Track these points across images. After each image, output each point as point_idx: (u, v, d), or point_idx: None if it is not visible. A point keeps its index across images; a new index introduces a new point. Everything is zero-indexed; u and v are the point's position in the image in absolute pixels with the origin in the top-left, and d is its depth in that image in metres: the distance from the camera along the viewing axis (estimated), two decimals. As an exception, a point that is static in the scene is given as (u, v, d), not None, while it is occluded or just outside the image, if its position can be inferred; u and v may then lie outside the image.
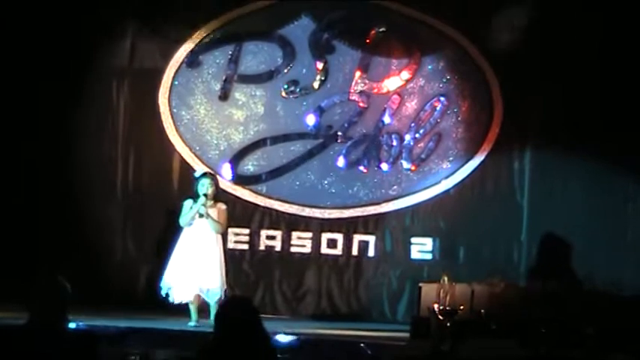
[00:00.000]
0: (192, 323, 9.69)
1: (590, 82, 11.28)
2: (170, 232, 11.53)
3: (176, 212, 11.46)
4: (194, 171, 10.64)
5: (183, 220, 9.90)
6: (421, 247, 11.70)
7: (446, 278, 8.36)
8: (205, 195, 9.79)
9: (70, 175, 11.84)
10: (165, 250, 11.45)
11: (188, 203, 9.90)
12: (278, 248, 11.87)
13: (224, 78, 12.02)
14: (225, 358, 4.80)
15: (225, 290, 9.91)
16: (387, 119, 11.82)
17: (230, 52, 12.04)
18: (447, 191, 11.72)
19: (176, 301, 9.86)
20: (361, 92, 11.88)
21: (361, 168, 11.82)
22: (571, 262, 10.42)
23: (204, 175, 10.14)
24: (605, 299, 8.75)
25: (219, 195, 10.09)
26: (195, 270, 9.71)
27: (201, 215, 9.76)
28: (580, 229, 11.03)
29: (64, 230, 11.59)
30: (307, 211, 11.86)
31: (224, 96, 12.02)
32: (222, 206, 9.99)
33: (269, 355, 4.96)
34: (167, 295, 9.88)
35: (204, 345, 5.04)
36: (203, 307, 9.88)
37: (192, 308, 9.80)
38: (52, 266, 8.89)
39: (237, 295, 9.78)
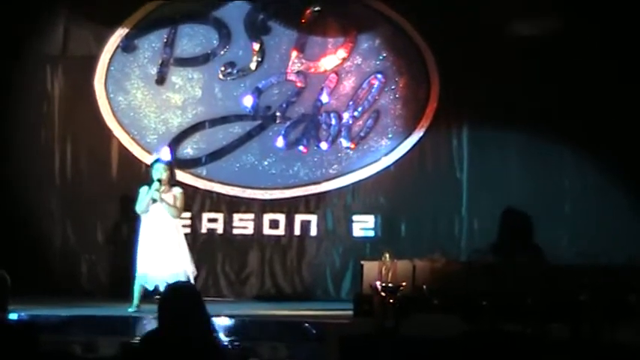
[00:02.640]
0: (131, 309, 9.61)
1: (525, 55, 11.37)
2: (116, 216, 11.54)
3: (116, 197, 11.51)
4: (133, 156, 10.59)
5: (139, 207, 9.80)
6: (363, 225, 11.75)
7: (387, 255, 8.37)
8: (159, 180, 9.71)
9: (6, 165, 11.71)
10: (112, 236, 11.48)
11: (144, 190, 9.80)
12: (220, 231, 11.86)
13: (160, 62, 11.96)
14: (168, 344, 4.79)
15: (194, 273, 9.90)
16: (324, 98, 11.84)
17: (165, 36, 11.98)
18: (386, 168, 11.78)
19: (148, 288, 9.74)
20: (298, 72, 11.88)
21: (301, 148, 11.83)
22: (511, 236, 10.48)
23: (158, 160, 10.10)
24: (543, 271, 8.84)
25: (174, 180, 10.02)
26: (159, 257, 9.63)
27: (154, 200, 9.68)
28: (518, 203, 11.10)
29: (3, 220, 11.45)
30: (248, 193, 11.85)
31: (161, 80, 11.96)
32: (178, 190, 9.91)
33: (212, 340, 4.95)
34: (144, 285, 9.76)
35: (148, 331, 5.03)
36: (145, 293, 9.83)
37: (137, 294, 9.72)
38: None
39: (180, 281, 9.75)
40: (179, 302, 4.91)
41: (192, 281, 9.76)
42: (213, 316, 5.16)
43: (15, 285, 5.37)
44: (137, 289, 9.74)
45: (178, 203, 9.84)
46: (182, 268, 9.69)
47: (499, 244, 9.83)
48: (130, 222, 11.61)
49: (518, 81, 11.36)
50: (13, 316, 7.01)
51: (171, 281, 9.44)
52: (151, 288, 9.73)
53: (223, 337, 7.98)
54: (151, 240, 9.72)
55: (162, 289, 9.57)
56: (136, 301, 9.71)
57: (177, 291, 5.06)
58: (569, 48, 11.28)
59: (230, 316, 8.94)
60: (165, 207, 9.71)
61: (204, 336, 4.88)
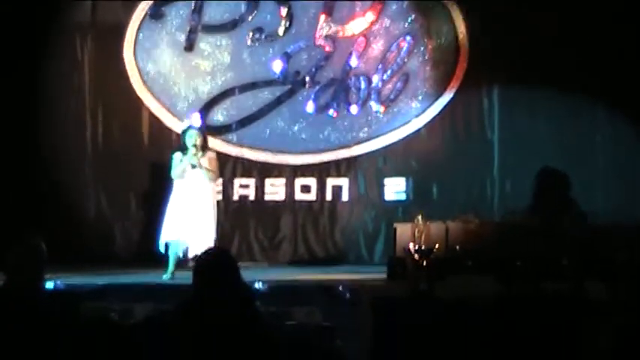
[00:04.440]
0: (166, 276, 9.63)
1: (555, 12, 11.28)
2: (148, 184, 11.60)
3: (148, 165, 11.58)
4: (163, 124, 10.62)
5: (175, 173, 9.84)
6: (395, 188, 11.74)
7: (420, 217, 8.38)
8: (195, 146, 9.76)
9: (39, 135, 11.75)
10: (145, 204, 11.55)
11: (177, 156, 9.85)
12: (252, 197, 11.88)
13: (188, 29, 11.94)
14: (203, 309, 4.81)
15: (216, 240, 9.95)
16: (353, 62, 11.80)
17: (193, 3, 11.96)
18: (417, 131, 11.75)
19: (180, 254, 9.77)
20: (327, 36, 11.85)
21: (330, 112, 11.82)
22: (550, 196, 10.43)
23: (191, 126, 10.14)
24: (579, 230, 8.80)
25: (207, 144, 10.06)
26: (191, 222, 9.69)
27: (193, 166, 9.73)
28: (551, 162, 11.04)
29: (37, 191, 11.52)
30: (279, 158, 11.87)
31: (189, 47, 11.95)
32: (212, 154, 9.97)
33: (247, 305, 4.97)
34: (166, 249, 9.81)
35: (184, 297, 5.04)
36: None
37: (172, 260, 9.74)
38: (27, 227, 8.84)
39: (214, 247, 9.77)
40: (214, 269, 4.91)
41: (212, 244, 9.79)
42: (247, 281, 5.18)
43: (50, 254, 5.40)
44: (172, 256, 9.77)
45: (214, 166, 9.90)
46: (210, 236, 9.73)
47: (537, 204, 9.78)
48: (163, 189, 11.67)
49: (548, 38, 11.28)
50: (49, 285, 7.08)
51: (200, 247, 9.56)
52: (180, 254, 9.78)
53: (259, 302, 8.02)
54: (184, 205, 9.76)
55: (190, 254, 9.66)
56: (171, 267, 9.73)
57: (211, 257, 5.06)
58: (600, 5, 11.18)
59: (264, 281, 8.97)
60: (203, 172, 9.76)
61: (240, 302, 4.89)
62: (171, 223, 9.79)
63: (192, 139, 9.79)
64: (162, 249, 9.82)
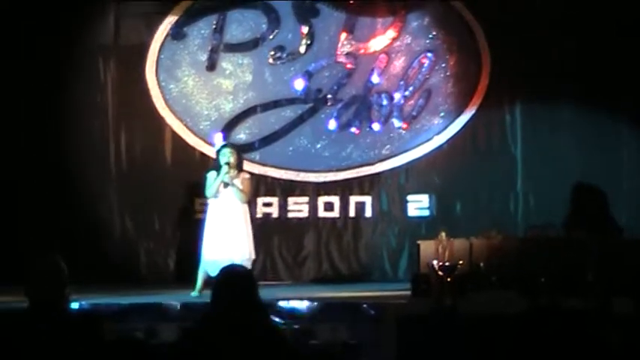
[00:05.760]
0: (194, 294, 9.68)
1: (577, 29, 11.27)
2: (172, 204, 11.62)
3: (171, 185, 11.62)
4: (186, 144, 10.61)
5: (209, 192, 9.89)
6: (418, 205, 11.73)
7: (443, 234, 8.39)
8: (228, 163, 9.80)
9: (63, 155, 11.78)
10: (169, 223, 11.58)
11: (212, 174, 9.90)
12: (275, 214, 11.89)
13: (210, 48, 11.98)
14: (222, 328, 4.80)
15: (254, 260, 9.96)
16: (375, 79, 11.81)
17: (214, 22, 12.00)
18: (440, 147, 11.74)
19: (211, 274, 9.73)
20: (348, 54, 11.86)
21: (353, 129, 11.82)
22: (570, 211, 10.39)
23: (225, 145, 10.24)
24: (603, 245, 8.76)
25: (242, 165, 10.10)
26: (225, 242, 9.71)
27: (226, 184, 9.77)
28: (575, 177, 11.02)
29: (61, 210, 11.55)
30: (302, 176, 11.88)
31: (211, 66, 11.99)
32: (246, 175, 10.02)
33: (265, 323, 4.95)
34: (208, 271, 9.80)
35: (204, 315, 5.04)
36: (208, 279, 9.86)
37: (200, 279, 9.75)
38: (49, 247, 8.86)
39: (234, 264, 9.78)
40: (232, 286, 4.90)
41: (248, 266, 9.82)
42: (272, 299, 5.16)
43: (75, 274, 5.39)
44: (201, 274, 9.78)
45: (246, 188, 9.92)
46: (243, 255, 9.73)
47: (576, 218, 9.72)
48: (186, 208, 11.71)
49: (571, 54, 11.26)
50: (74, 306, 7.09)
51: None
52: (214, 274, 9.75)
53: (281, 320, 8.03)
54: (218, 225, 9.80)
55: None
56: (199, 286, 9.74)
57: (230, 275, 5.05)
58: (622, 18, 11.15)
59: (288, 299, 8.96)
60: (234, 191, 9.79)
61: (257, 319, 4.87)
62: (208, 243, 9.82)
63: (226, 157, 9.85)
64: (207, 270, 9.78)
